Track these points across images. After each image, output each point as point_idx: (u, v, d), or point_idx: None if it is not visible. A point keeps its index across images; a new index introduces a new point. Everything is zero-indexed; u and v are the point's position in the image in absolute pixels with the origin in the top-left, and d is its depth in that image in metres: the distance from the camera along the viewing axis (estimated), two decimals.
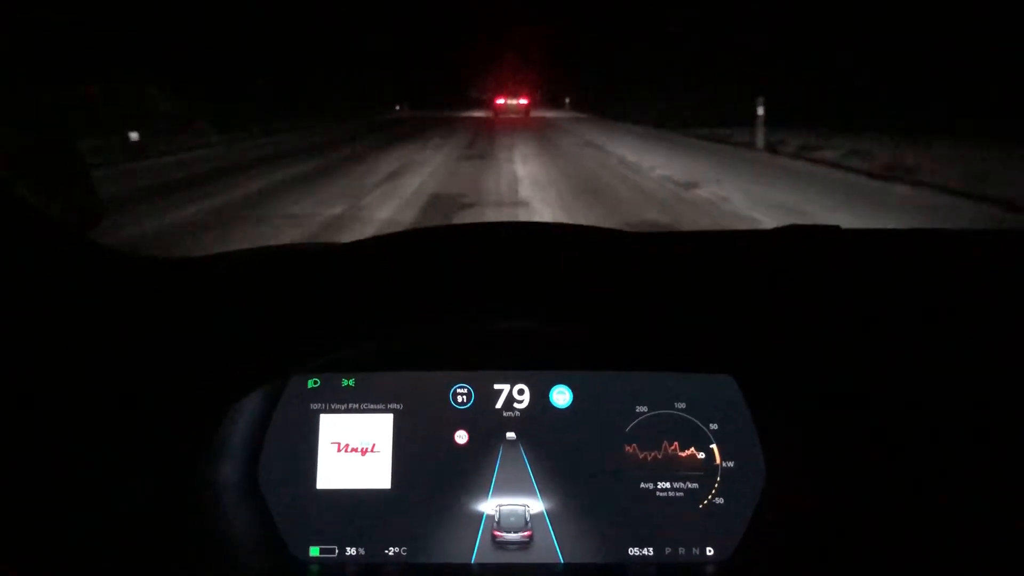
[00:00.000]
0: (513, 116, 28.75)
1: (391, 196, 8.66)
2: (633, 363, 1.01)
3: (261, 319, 0.94)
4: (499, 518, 0.97)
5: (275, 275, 1.02)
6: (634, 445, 0.99)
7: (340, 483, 0.98)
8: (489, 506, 0.97)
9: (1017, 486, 0.86)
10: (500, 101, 30.27)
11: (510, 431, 0.99)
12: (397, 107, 44.93)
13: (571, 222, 2.63)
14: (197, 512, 0.91)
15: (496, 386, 1.01)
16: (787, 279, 1.00)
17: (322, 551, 0.97)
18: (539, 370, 1.02)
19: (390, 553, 0.97)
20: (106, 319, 0.92)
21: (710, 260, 1.05)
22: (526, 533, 0.96)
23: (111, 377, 0.88)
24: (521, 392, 1.01)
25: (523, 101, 30.20)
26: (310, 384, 1.00)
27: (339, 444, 0.99)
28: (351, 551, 0.97)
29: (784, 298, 0.97)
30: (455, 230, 1.10)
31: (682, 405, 1.00)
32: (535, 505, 0.98)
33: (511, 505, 0.97)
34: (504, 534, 0.96)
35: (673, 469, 0.99)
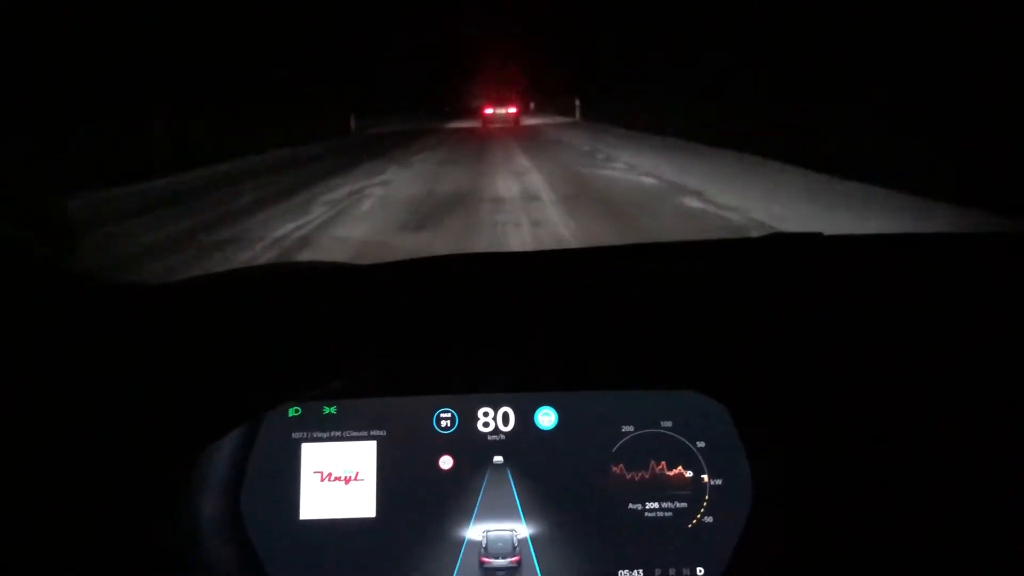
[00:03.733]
0: (502, 125, 28.82)
1: None
2: (618, 382, 1.00)
3: (248, 351, 0.91)
4: (487, 544, 0.96)
5: (262, 301, 0.99)
6: (621, 465, 0.98)
7: (323, 513, 0.97)
8: (475, 532, 0.96)
9: (1011, 501, 0.85)
10: (488, 111, 30.28)
11: (496, 455, 0.98)
12: None
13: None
14: (178, 546, 0.90)
15: (481, 410, 1.00)
16: (770, 294, 0.99)
17: None
18: (523, 392, 1.00)
19: None
20: (80, 351, 0.90)
21: (692, 274, 1.04)
22: (514, 559, 0.95)
23: (88, 410, 0.87)
24: (506, 415, 1.00)
25: (512, 110, 30.20)
26: (291, 412, 0.99)
27: (322, 473, 0.98)
28: None
29: (767, 315, 0.96)
30: (429, 261, 1.07)
31: (668, 423, 0.99)
32: (521, 530, 0.96)
33: (498, 530, 0.96)
34: (492, 560, 0.95)
35: (661, 489, 0.98)
